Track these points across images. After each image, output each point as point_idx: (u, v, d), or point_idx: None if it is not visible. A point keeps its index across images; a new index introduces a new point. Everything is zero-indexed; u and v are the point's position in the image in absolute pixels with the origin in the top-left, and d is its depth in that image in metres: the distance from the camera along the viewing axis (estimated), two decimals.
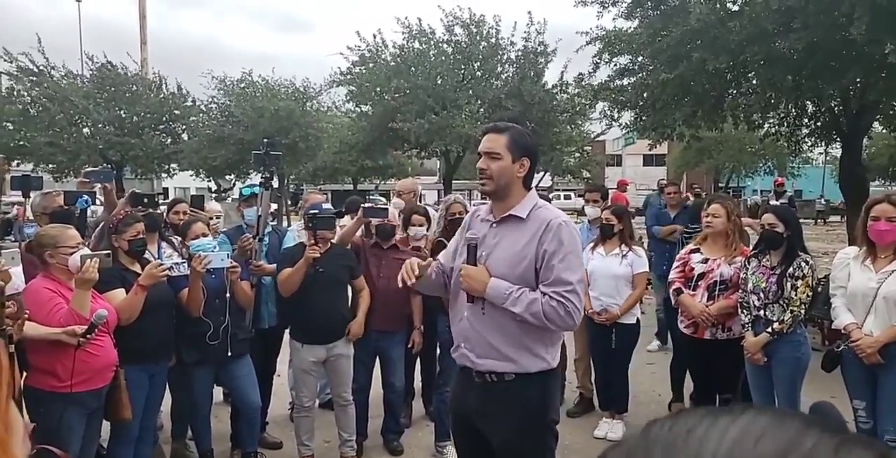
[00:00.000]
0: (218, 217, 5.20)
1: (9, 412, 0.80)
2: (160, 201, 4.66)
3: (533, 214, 2.47)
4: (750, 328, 3.84)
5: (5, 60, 17.11)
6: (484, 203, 2.76)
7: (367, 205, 4.33)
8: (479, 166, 2.49)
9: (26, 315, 2.69)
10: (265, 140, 4.69)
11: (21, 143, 17.45)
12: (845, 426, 0.86)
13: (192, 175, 21.59)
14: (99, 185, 4.50)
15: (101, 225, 3.86)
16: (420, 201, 5.56)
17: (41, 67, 17.47)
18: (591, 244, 4.72)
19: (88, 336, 2.96)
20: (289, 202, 23.27)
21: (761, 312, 3.80)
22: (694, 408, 0.48)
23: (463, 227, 2.72)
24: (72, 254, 3.06)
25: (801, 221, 4.12)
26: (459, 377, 2.67)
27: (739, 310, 3.92)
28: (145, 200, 4.25)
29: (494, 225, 2.54)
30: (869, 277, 3.42)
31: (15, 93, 17.55)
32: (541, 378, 2.47)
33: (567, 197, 36.93)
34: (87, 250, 3.11)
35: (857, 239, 3.59)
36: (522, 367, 2.44)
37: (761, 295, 3.80)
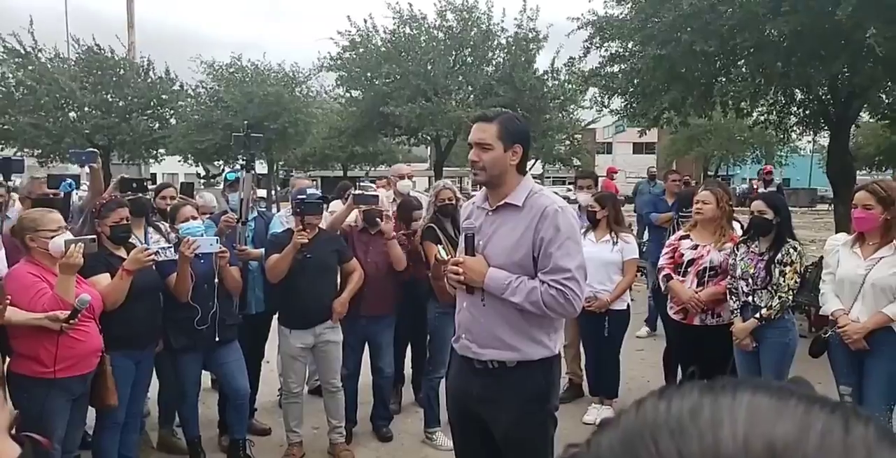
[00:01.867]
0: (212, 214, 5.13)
1: None
2: (148, 187, 4.61)
3: (529, 201, 2.42)
4: (738, 314, 3.86)
5: None
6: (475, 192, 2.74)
7: (357, 191, 4.31)
8: (471, 158, 2.44)
9: (8, 301, 2.64)
10: (245, 122, 4.67)
11: (5, 126, 17.21)
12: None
13: (180, 161, 21.43)
14: (81, 166, 4.45)
15: (86, 210, 3.81)
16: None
17: (28, 49, 17.20)
18: (582, 231, 4.71)
19: (71, 321, 2.91)
20: (278, 188, 23.14)
21: (749, 298, 3.81)
22: (678, 385, 0.46)
23: (463, 216, 2.71)
24: (52, 238, 3.01)
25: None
26: (458, 365, 2.64)
27: (728, 296, 3.93)
28: (134, 186, 4.22)
29: (490, 213, 2.50)
30: (857, 263, 3.44)
31: (0, 75, 17.28)
32: (543, 365, 2.45)
33: None
34: (68, 235, 3.06)
35: (848, 227, 3.62)
36: (525, 355, 2.42)
37: (749, 281, 3.81)
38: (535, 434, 2.48)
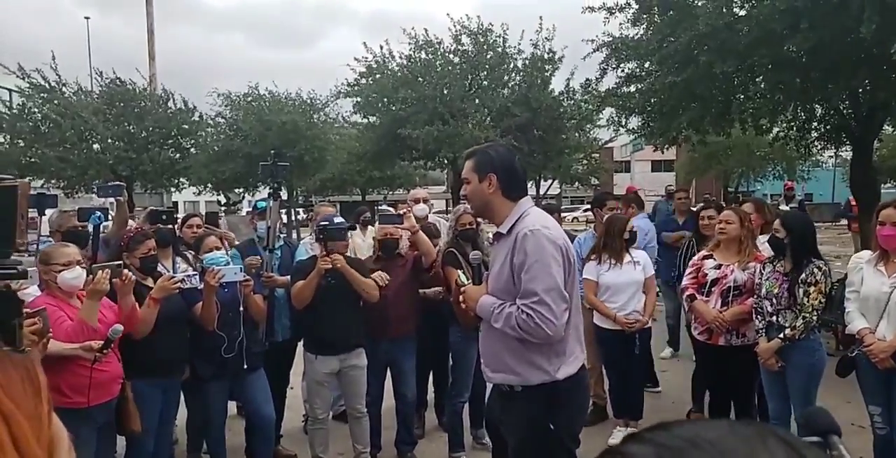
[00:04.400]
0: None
1: (51, 428, 0.80)
2: (176, 218, 4.70)
3: (514, 227, 2.51)
4: (763, 334, 3.81)
5: (18, 77, 17.32)
6: None
7: (383, 208, 4.36)
8: (461, 194, 2.65)
9: (51, 334, 2.69)
10: (272, 152, 4.74)
11: (32, 159, 17.62)
12: (839, 430, 0.85)
13: (198, 190, 21.73)
14: (111, 199, 4.55)
15: (112, 241, 3.89)
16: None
17: (53, 84, 17.66)
18: (593, 256, 4.67)
19: (105, 351, 2.96)
20: (298, 212, 23.30)
21: (774, 318, 3.77)
22: None
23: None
24: (60, 272, 3.07)
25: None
26: (494, 386, 2.78)
27: (754, 315, 3.89)
28: (163, 217, 4.30)
29: (495, 243, 2.66)
30: (882, 281, 3.40)
31: (27, 110, 17.74)
32: (544, 390, 2.48)
33: None
34: (78, 269, 3.10)
35: (871, 243, 3.56)
36: (525, 379, 2.49)
37: (774, 301, 3.77)
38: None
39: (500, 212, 2.56)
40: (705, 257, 4.23)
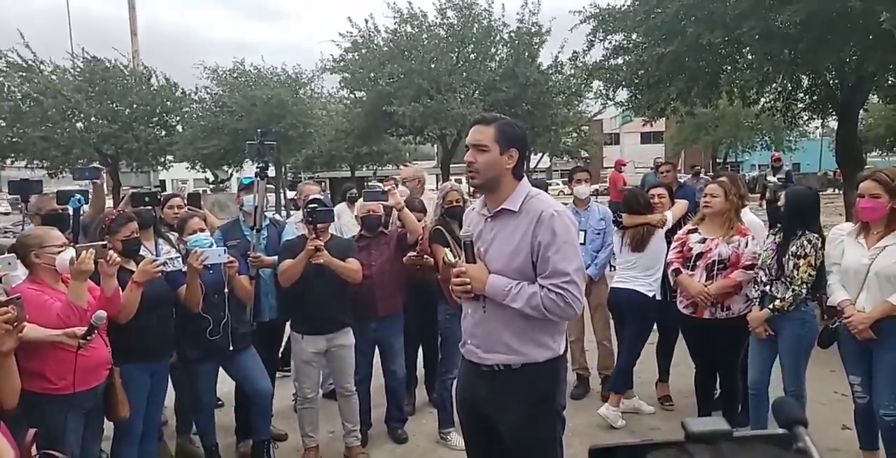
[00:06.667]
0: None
1: None
2: (161, 199, 4.61)
3: (525, 206, 2.43)
4: (757, 303, 3.86)
5: None
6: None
7: (369, 186, 4.34)
8: (467, 159, 2.46)
9: (24, 324, 2.64)
10: (259, 130, 4.67)
11: (14, 139, 17.34)
12: (805, 421, 0.85)
13: (188, 167, 21.57)
14: (82, 180, 4.47)
15: (92, 225, 3.82)
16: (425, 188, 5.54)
17: (30, 63, 17.30)
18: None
19: (89, 337, 2.93)
20: (286, 190, 23.16)
21: (767, 288, 3.81)
22: None
23: (465, 224, 2.71)
24: (58, 253, 3.04)
25: None
26: (466, 368, 2.67)
27: (752, 284, 3.94)
28: (146, 200, 4.21)
29: (489, 219, 2.51)
30: (861, 253, 3.43)
31: (6, 89, 17.39)
32: (549, 366, 2.46)
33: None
34: (72, 251, 3.07)
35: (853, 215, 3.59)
36: (529, 358, 2.44)
37: (767, 271, 3.81)
38: (542, 434, 2.49)
39: (506, 189, 2.46)
40: (690, 231, 4.24)
